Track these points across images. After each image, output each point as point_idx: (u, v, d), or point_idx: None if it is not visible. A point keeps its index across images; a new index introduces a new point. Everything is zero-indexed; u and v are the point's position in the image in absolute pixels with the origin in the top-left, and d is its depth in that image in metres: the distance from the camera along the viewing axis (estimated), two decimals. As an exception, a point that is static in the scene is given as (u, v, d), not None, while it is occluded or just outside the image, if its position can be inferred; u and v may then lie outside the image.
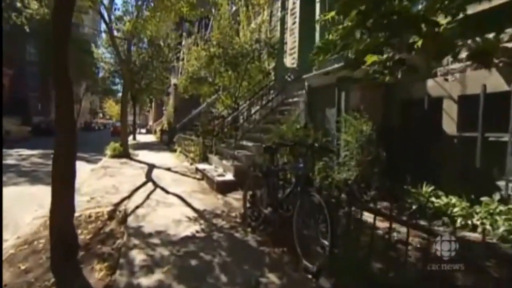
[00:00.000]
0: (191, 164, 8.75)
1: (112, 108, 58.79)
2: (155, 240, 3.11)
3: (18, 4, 16.42)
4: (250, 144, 6.01)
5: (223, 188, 5.14)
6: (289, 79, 8.77)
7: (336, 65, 4.24)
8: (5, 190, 5.55)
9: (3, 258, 2.74)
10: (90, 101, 45.19)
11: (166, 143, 16.37)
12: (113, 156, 10.18)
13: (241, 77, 8.64)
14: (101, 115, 62.81)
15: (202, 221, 3.71)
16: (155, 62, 19.65)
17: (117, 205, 4.40)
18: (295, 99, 6.60)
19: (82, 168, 8.09)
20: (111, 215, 3.95)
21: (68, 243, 2.87)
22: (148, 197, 4.86)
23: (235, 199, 4.75)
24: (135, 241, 3.08)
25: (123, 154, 10.38)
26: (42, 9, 16.79)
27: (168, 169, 8.00)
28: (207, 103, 11.47)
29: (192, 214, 4.01)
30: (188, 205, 4.42)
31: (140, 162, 9.39)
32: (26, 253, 2.90)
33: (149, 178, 6.62)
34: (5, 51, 20.23)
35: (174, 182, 6.19)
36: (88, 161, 10.02)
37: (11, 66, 24.22)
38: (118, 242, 3.11)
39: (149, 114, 46.15)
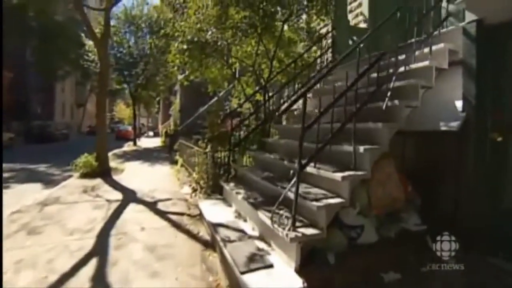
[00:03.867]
0: (194, 192, 5.28)
1: (123, 111, 56.49)
2: None
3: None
4: (327, 173, 2.40)
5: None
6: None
7: None
8: None
9: None
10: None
11: (168, 150, 13.09)
12: (85, 175, 6.91)
13: (275, 44, 5.07)
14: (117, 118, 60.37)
15: None
16: (157, 54, 16.44)
17: None
18: (420, 64, 2.88)
19: (14, 203, 4.63)
20: None
21: None
22: None
23: None
24: None
25: (99, 170, 7.08)
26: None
27: (153, 205, 4.58)
28: (219, 96, 8.01)
29: None
30: None
31: (116, 186, 6.02)
32: None
33: (102, 242, 3.17)
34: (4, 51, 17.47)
35: (147, 259, 2.73)
36: (49, 182, 6.73)
37: (10, 68, 21.50)
38: None
39: (159, 116, 43.38)
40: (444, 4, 3.06)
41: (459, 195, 2.62)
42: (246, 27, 4.40)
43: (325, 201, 2.23)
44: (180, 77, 16.05)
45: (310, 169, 2.55)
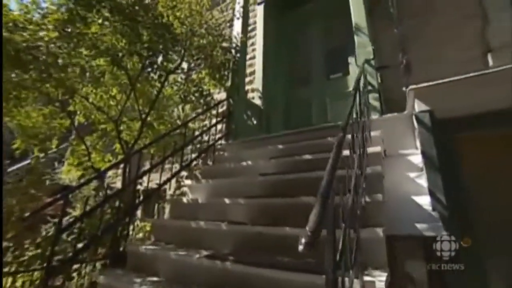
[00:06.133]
0: None
1: None
2: None
3: None
4: None
5: None
6: (250, 122, 4.63)
7: None
8: None
9: None
10: None
11: None
12: None
13: (152, 101, 3.63)
14: None
15: None
16: None
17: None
18: (371, 149, 2.23)
19: None
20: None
21: None
22: None
23: None
24: None
25: None
26: None
27: None
28: (38, 157, 5.03)
29: None
30: None
31: None
32: None
33: None
34: None
35: None
36: None
37: None
38: None
39: None
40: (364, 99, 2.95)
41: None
42: (119, 57, 2.78)
43: None
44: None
45: None
